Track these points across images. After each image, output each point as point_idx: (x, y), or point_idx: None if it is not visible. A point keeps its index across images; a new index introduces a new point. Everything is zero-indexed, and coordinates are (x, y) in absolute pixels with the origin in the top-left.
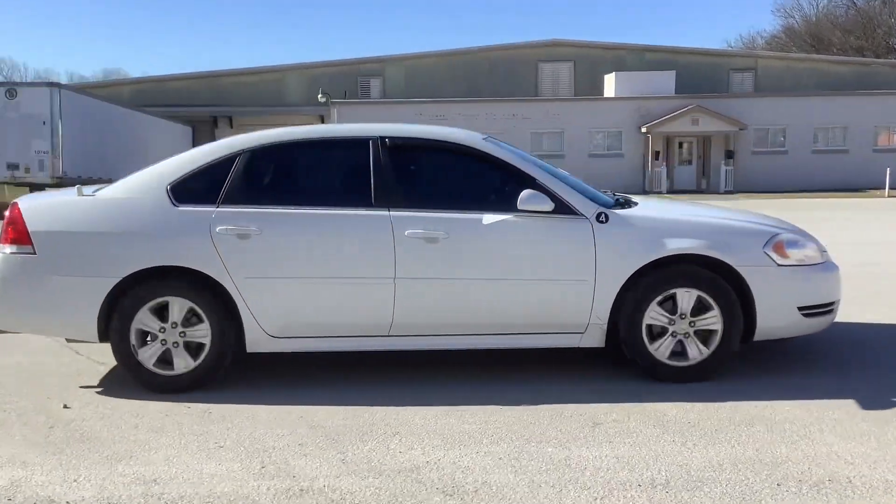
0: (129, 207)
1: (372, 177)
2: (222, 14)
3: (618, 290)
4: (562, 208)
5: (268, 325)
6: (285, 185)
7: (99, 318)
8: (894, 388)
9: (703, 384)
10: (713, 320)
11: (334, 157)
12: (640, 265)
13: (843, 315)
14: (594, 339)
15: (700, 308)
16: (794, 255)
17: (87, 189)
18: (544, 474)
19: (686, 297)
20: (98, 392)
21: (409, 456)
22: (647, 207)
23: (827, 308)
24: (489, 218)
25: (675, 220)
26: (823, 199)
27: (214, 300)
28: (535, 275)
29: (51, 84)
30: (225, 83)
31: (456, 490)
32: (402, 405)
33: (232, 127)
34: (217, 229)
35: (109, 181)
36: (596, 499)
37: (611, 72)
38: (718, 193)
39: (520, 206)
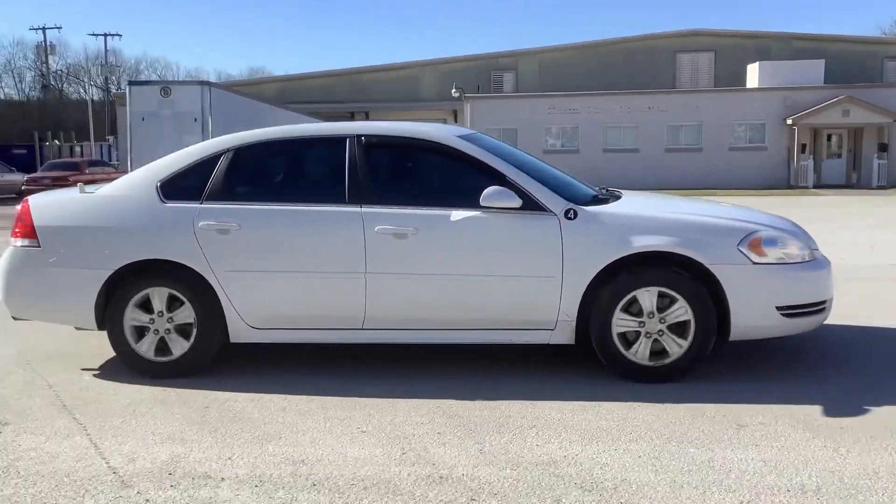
0: (123, 204)
1: (346, 174)
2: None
3: (585, 287)
4: (530, 204)
5: (248, 317)
6: (264, 183)
7: (96, 307)
8: None
9: (853, 389)
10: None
11: (312, 155)
12: (607, 262)
13: None
14: (564, 336)
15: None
16: (773, 253)
17: (90, 187)
18: (686, 475)
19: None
20: (249, 375)
21: (546, 449)
22: (624, 204)
23: (814, 308)
24: (457, 214)
25: (645, 216)
26: None
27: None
28: (502, 271)
29: (202, 82)
30: (362, 80)
31: (594, 486)
32: (537, 399)
33: None
34: (200, 224)
35: None
36: (741, 502)
37: (754, 61)
38: (870, 189)
39: (482, 203)
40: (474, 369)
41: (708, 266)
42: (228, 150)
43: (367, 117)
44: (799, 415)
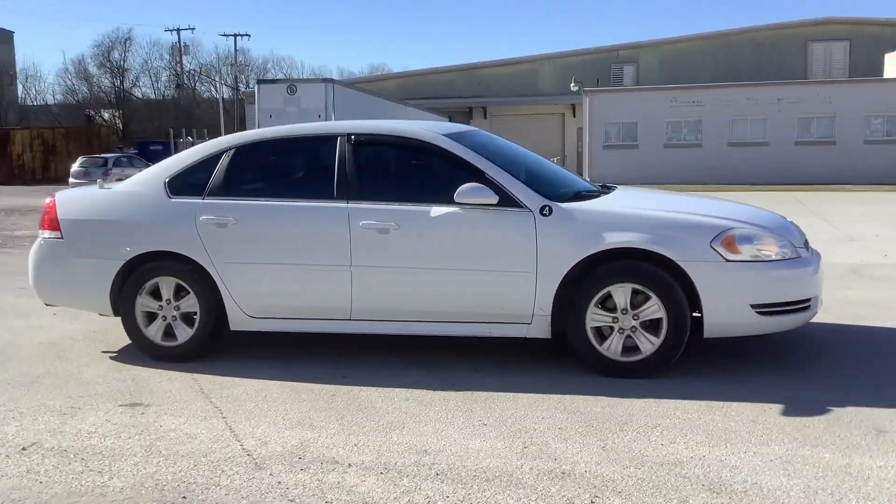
0: (135, 199)
1: (336, 171)
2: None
3: (559, 282)
4: (506, 201)
5: (245, 306)
6: (260, 179)
7: (111, 294)
8: None
9: None
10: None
11: (305, 153)
12: (579, 258)
13: None
14: (540, 330)
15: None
16: (747, 250)
17: (108, 183)
18: (821, 480)
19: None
20: (372, 365)
21: (671, 449)
22: (604, 201)
23: (795, 306)
24: (437, 210)
25: (619, 213)
26: None
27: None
28: (480, 265)
29: (325, 80)
30: (481, 75)
31: (723, 488)
32: (662, 398)
33: (486, 117)
34: (200, 219)
35: None
36: None
37: (892, 50)
38: None
39: (456, 199)
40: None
41: (679, 263)
42: (230, 149)
43: (484, 112)
44: None
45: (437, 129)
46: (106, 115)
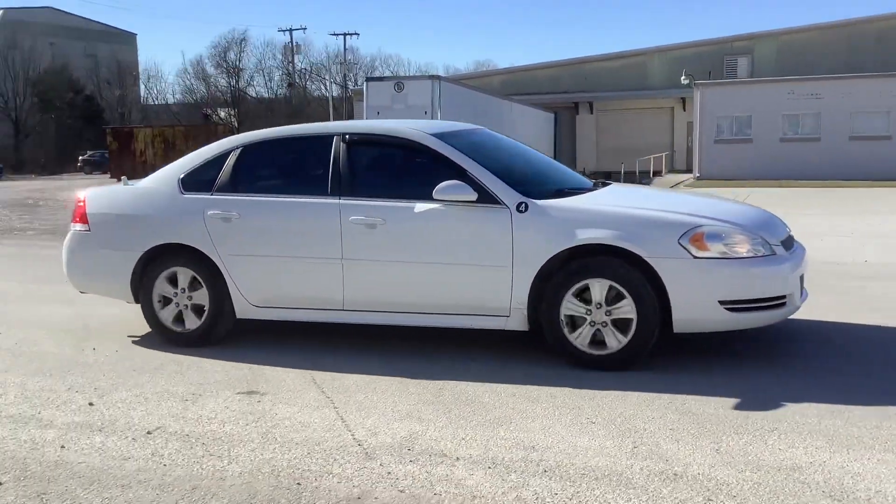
0: (152, 195)
1: (330, 169)
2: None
3: (533, 276)
4: (485, 197)
5: (249, 296)
6: (262, 176)
7: (132, 283)
8: None
9: None
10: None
11: (303, 151)
12: (552, 254)
13: None
14: (518, 322)
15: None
16: (715, 248)
17: (132, 181)
18: None
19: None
20: (472, 359)
21: (789, 454)
22: (584, 198)
23: (767, 303)
24: (420, 206)
25: (593, 210)
26: None
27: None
28: (460, 259)
29: (432, 77)
30: (587, 69)
31: (844, 496)
32: (779, 401)
33: (592, 112)
34: (208, 213)
35: None
36: None
37: None
38: None
39: (434, 196)
40: (710, 364)
41: (647, 259)
42: (237, 148)
43: (591, 107)
44: None
45: (426, 128)
46: (222, 114)
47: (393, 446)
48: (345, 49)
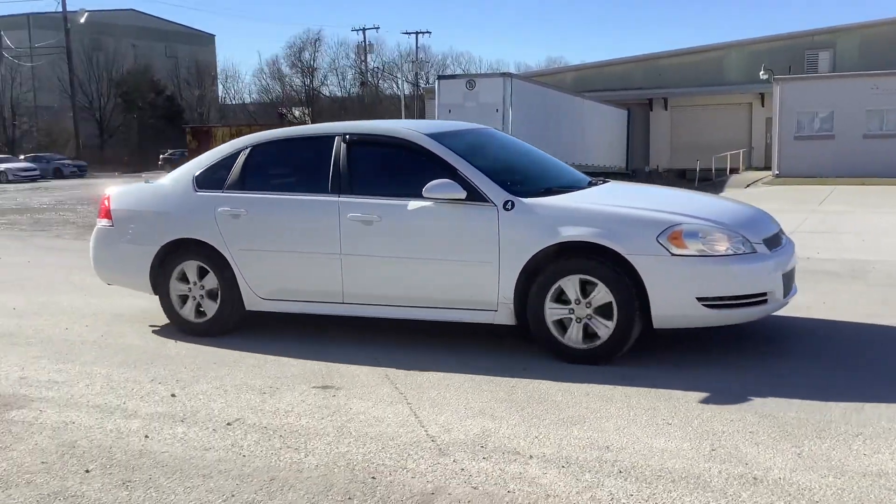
0: (169, 193)
1: (330, 168)
2: None
3: (518, 272)
4: (474, 196)
5: (257, 288)
6: (269, 175)
7: (150, 275)
8: None
9: None
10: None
11: (307, 151)
12: (536, 251)
13: None
14: (505, 317)
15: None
16: (693, 245)
17: (152, 179)
18: None
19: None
20: (544, 358)
21: (875, 459)
22: (573, 196)
23: (747, 300)
24: (413, 204)
25: (576, 208)
26: None
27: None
28: (451, 255)
29: (503, 74)
30: (661, 65)
31: None
32: (864, 403)
33: (666, 109)
34: (219, 210)
35: None
36: None
37: None
38: None
39: (424, 194)
40: (790, 368)
41: (626, 256)
42: (247, 147)
43: (665, 103)
44: None
45: (422, 128)
46: (297, 113)
47: (466, 443)
48: (416, 47)
